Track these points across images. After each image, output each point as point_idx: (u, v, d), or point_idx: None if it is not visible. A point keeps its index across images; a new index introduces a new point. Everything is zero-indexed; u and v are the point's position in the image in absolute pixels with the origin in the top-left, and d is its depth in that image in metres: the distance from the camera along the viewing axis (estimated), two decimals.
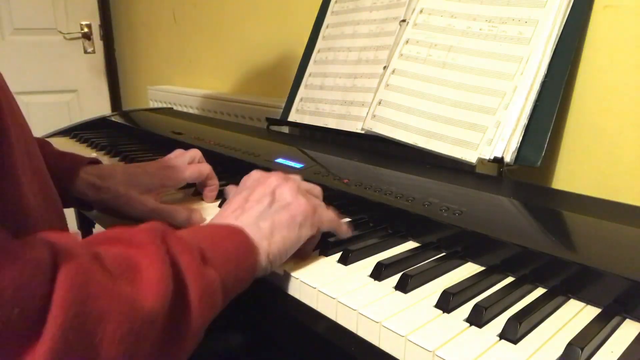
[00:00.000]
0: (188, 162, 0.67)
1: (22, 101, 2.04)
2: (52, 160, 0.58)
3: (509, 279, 0.48)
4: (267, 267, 0.46)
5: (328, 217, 0.51)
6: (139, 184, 0.61)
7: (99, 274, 0.30)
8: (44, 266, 0.27)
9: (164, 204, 0.61)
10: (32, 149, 0.46)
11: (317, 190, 0.55)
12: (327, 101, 0.91)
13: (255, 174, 0.53)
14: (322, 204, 0.52)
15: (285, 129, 1.02)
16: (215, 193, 0.68)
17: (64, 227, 0.55)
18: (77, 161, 0.63)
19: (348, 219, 0.62)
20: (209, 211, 0.65)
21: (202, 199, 0.68)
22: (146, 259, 0.33)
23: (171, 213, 0.60)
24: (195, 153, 0.68)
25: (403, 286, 0.45)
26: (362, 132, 0.82)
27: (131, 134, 1.19)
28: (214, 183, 0.68)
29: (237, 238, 0.44)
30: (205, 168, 0.67)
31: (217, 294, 0.38)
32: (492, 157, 0.65)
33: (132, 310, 0.30)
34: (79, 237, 0.32)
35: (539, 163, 0.63)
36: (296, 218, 0.48)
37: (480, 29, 0.72)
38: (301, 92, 0.97)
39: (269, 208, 0.48)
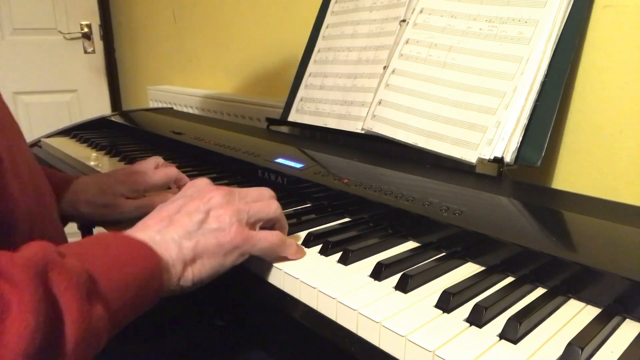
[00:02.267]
0: (154, 167, 0.68)
1: (22, 101, 2.05)
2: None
3: (509, 279, 0.48)
4: (176, 290, 0.44)
5: (265, 245, 0.48)
6: (112, 192, 0.64)
7: None
8: None
9: (143, 199, 0.64)
10: (20, 147, 0.46)
11: (270, 211, 0.50)
12: (327, 101, 0.91)
13: (200, 182, 0.51)
14: (269, 234, 0.49)
15: (285, 129, 1.02)
16: None
17: (56, 225, 0.56)
18: (66, 180, 0.66)
19: (347, 219, 0.62)
20: None
21: None
22: (18, 305, 0.30)
23: (151, 202, 0.62)
24: (156, 159, 0.70)
25: (403, 286, 0.45)
26: (362, 132, 0.82)
27: (131, 134, 1.19)
28: (186, 181, 0.68)
29: (143, 260, 0.41)
30: (172, 171, 0.68)
31: (101, 333, 0.36)
32: (492, 157, 0.65)
33: None
34: None
35: (539, 163, 0.63)
36: (224, 246, 0.45)
37: (480, 29, 0.72)
38: (301, 92, 0.97)
39: (197, 227, 0.45)
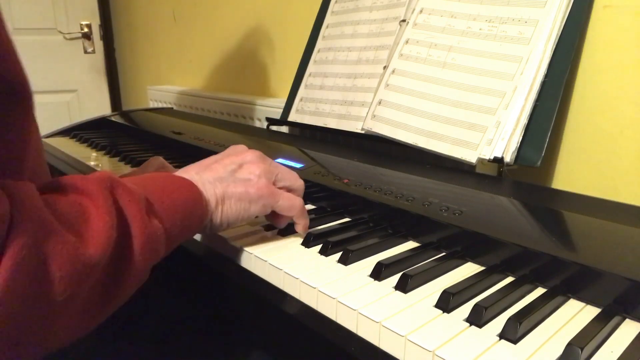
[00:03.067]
0: (157, 169, 0.72)
1: None
2: None
3: (509, 279, 0.48)
4: (208, 225, 0.49)
5: (286, 204, 0.53)
6: None
7: (48, 224, 0.33)
8: (1, 216, 0.30)
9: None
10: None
11: (296, 183, 0.56)
12: (327, 101, 0.91)
13: (240, 147, 0.56)
14: (293, 197, 0.54)
15: (285, 129, 1.02)
16: None
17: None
18: None
19: (347, 219, 0.62)
20: None
21: None
22: (94, 209, 0.36)
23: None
24: (158, 159, 0.73)
25: (403, 286, 0.45)
26: (362, 132, 0.82)
27: (131, 134, 1.19)
28: None
29: (188, 190, 0.47)
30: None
31: (160, 243, 0.41)
32: (492, 157, 0.65)
33: (75, 256, 0.33)
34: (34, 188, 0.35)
35: (539, 163, 0.63)
36: (250, 194, 0.50)
37: (480, 29, 0.72)
38: (301, 92, 0.97)
39: (229, 175, 0.51)
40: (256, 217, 0.54)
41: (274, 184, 0.53)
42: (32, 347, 0.33)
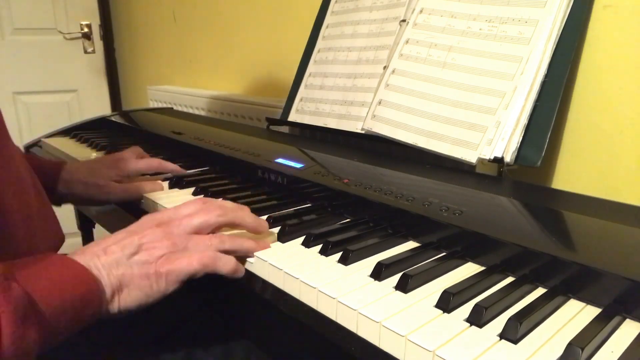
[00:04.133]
0: (135, 157, 0.78)
1: (22, 101, 2.05)
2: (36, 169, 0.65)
3: (509, 279, 0.48)
4: (104, 315, 0.47)
5: (187, 270, 0.49)
6: (101, 175, 0.74)
7: None
8: None
9: (131, 183, 0.74)
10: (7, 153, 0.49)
11: (217, 219, 0.53)
12: (327, 101, 0.91)
13: (144, 220, 0.53)
14: (209, 239, 0.51)
15: (285, 129, 1.02)
16: (179, 172, 0.80)
17: (54, 223, 0.61)
18: (52, 165, 0.76)
19: (347, 219, 0.62)
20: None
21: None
22: None
23: (138, 188, 0.72)
24: (136, 149, 0.81)
25: (403, 286, 0.45)
26: (362, 132, 0.82)
27: (131, 134, 1.19)
28: (167, 170, 0.80)
29: (83, 284, 0.44)
30: (154, 161, 0.79)
31: (31, 353, 0.39)
32: (492, 157, 0.65)
33: None
34: None
35: (539, 163, 0.63)
36: (148, 278, 0.48)
37: (480, 29, 0.72)
38: (301, 92, 0.97)
39: (127, 259, 0.48)
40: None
41: (183, 249, 0.50)
42: None
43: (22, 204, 0.53)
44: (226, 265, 0.51)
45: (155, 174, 0.81)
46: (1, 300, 0.37)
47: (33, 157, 0.82)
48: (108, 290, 0.46)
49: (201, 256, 0.50)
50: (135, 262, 0.48)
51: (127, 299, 0.47)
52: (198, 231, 0.52)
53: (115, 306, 0.47)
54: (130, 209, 0.76)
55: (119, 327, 0.43)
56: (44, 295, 0.41)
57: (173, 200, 0.68)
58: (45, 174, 0.71)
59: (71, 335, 0.44)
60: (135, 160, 0.78)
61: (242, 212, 0.55)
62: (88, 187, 0.73)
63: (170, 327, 0.66)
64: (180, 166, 0.82)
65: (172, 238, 0.50)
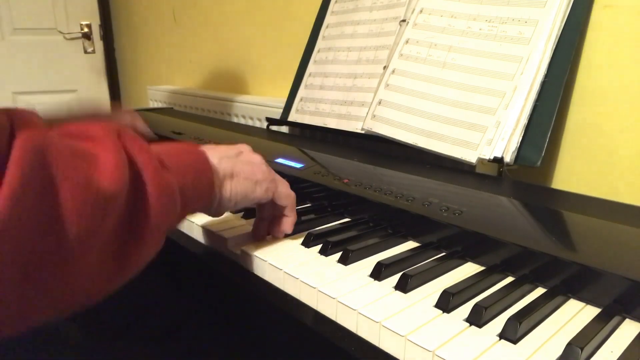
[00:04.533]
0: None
1: (22, 101, 2.05)
2: None
3: (509, 279, 0.48)
4: (217, 197, 0.48)
5: (284, 191, 0.54)
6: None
7: (57, 145, 0.29)
8: (2, 129, 0.26)
9: None
10: None
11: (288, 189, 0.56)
12: (327, 101, 0.91)
13: (241, 146, 0.56)
14: (289, 186, 0.55)
15: (285, 129, 1.02)
16: None
17: None
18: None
19: (347, 219, 0.62)
20: None
21: None
22: (103, 150, 0.33)
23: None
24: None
25: (403, 286, 0.45)
26: (362, 132, 0.82)
27: None
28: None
29: (197, 155, 0.46)
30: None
31: (175, 196, 0.39)
32: (492, 157, 0.65)
33: (87, 185, 0.30)
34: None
35: (539, 163, 0.63)
36: (256, 174, 0.51)
37: (480, 29, 0.72)
38: (301, 92, 0.97)
39: (235, 156, 0.51)
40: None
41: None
42: (40, 302, 0.28)
43: None
44: (293, 217, 0.55)
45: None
46: (135, 141, 0.37)
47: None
48: (221, 174, 0.48)
49: (293, 194, 0.55)
50: (241, 160, 0.51)
51: (238, 187, 0.49)
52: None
53: (227, 190, 0.48)
54: None
55: (118, 325, 0.43)
56: (167, 154, 0.41)
57: None
58: None
59: (197, 207, 0.45)
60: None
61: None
62: None
63: (170, 327, 0.66)
64: None
65: (262, 165, 0.53)
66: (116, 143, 0.35)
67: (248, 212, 0.63)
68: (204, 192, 0.45)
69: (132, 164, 0.35)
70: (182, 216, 0.42)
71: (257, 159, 0.53)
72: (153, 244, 0.37)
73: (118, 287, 0.35)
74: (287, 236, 0.57)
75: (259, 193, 0.51)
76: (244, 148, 0.54)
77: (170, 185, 0.38)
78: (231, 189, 0.49)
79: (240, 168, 0.50)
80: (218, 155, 0.49)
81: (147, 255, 0.37)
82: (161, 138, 1.05)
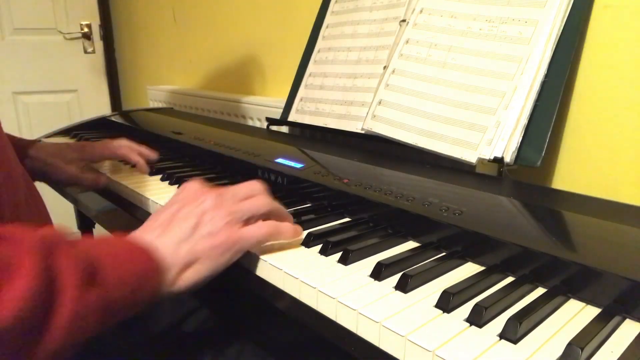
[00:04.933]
0: (114, 144, 0.82)
1: (22, 101, 2.05)
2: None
3: (509, 279, 0.48)
4: (172, 293, 0.46)
5: (255, 238, 0.50)
6: (64, 157, 0.79)
7: None
8: None
9: (82, 173, 0.79)
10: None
11: (261, 208, 0.52)
12: (327, 101, 0.91)
13: (192, 186, 0.52)
14: (262, 224, 0.51)
15: (285, 129, 1.02)
16: (142, 168, 0.82)
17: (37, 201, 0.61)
18: (25, 142, 0.81)
19: (347, 219, 0.62)
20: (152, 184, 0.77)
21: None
22: (21, 269, 0.33)
23: (78, 178, 0.78)
24: (122, 140, 0.84)
25: (403, 286, 0.45)
26: (362, 132, 0.82)
27: (131, 134, 1.19)
28: (133, 161, 0.82)
29: (142, 262, 0.43)
30: (122, 150, 0.82)
31: (92, 319, 0.37)
32: (492, 157, 0.65)
33: None
34: None
35: (539, 163, 0.63)
36: (217, 248, 0.47)
37: (480, 29, 0.72)
38: (301, 92, 0.97)
39: (191, 233, 0.47)
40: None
41: (240, 221, 0.50)
42: None
43: (9, 192, 0.53)
44: (288, 231, 0.52)
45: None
46: (67, 258, 0.36)
47: (8, 135, 0.85)
48: (177, 267, 0.45)
49: (264, 225, 0.50)
50: (200, 234, 0.47)
51: (201, 272, 0.47)
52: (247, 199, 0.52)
53: (184, 282, 0.46)
54: (130, 209, 0.76)
55: (118, 326, 0.43)
56: (107, 264, 0.39)
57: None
58: (17, 150, 0.71)
59: (126, 317, 0.42)
60: (105, 147, 0.82)
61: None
62: (47, 165, 0.78)
63: (170, 327, 0.66)
64: (180, 166, 0.82)
65: (227, 207, 0.50)
66: (37, 265, 0.34)
67: None
68: (143, 300, 0.43)
69: (50, 285, 0.34)
70: (109, 325, 0.40)
71: (220, 221, 0.48)
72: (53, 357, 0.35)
73: None
74: None
75: (227, 262, 0.48)
76: (205, 204, 0.49)
77: (90, 306, 0.37)
78: (189, 279, 0.46)
79: (201, 247, 0.47)
80: (176, 240, 0.46)
81: None
82: (161, 138, 1.05)
